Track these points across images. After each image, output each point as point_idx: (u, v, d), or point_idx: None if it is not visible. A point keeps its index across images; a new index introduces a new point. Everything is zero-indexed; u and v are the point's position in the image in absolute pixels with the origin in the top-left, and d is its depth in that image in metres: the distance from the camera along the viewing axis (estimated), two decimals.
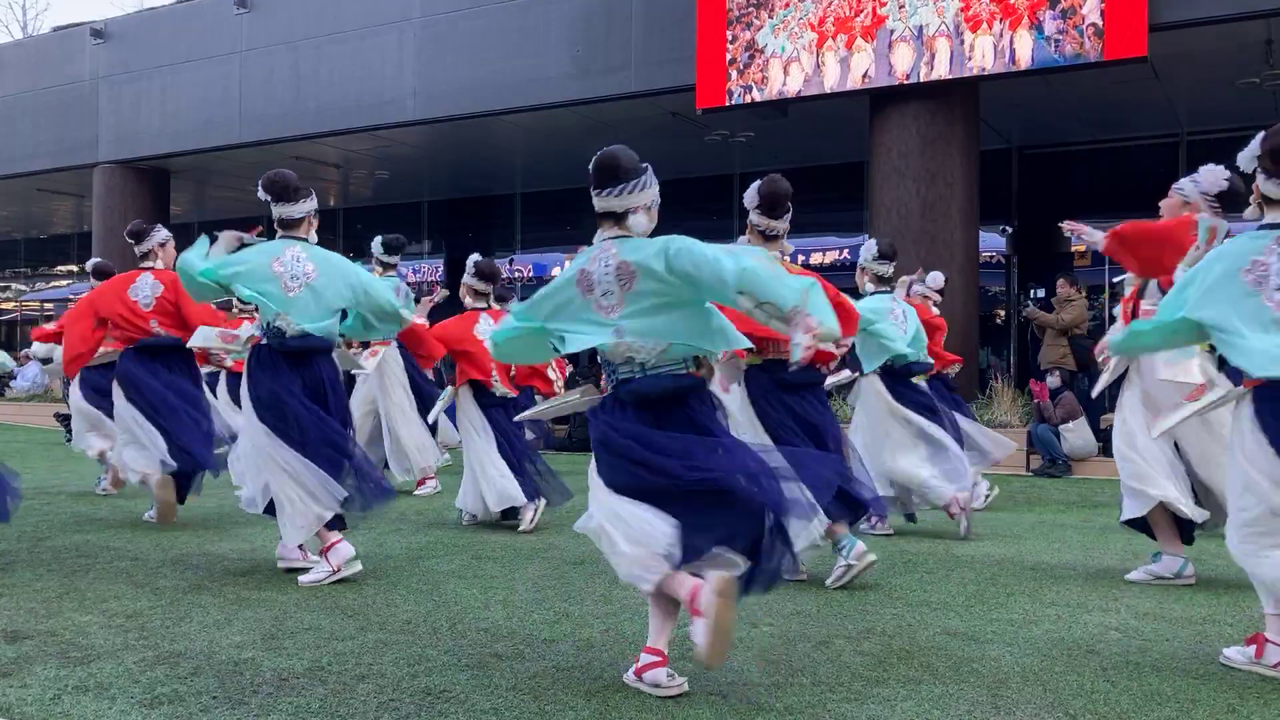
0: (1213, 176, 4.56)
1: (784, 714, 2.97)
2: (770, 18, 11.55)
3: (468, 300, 6.52)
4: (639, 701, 3.06)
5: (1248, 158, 3.49)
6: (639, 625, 3.89)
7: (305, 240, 4.79)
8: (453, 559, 5.18)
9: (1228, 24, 9.76)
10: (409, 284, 9.23)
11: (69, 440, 9.46)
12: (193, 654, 3.47)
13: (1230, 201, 4.50)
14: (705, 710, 2.99)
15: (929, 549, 5.64)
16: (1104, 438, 9.18)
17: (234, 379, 8.10)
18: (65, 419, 10.80)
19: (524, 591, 4.46)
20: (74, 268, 23.69)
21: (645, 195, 3.32)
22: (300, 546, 4.75)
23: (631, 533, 3.07)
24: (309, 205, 4.82)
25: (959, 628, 3.92)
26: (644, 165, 3.35)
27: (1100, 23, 9.95)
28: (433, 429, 7.87)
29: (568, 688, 3.18)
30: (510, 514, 6.17)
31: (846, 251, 15.44)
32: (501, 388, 6.25)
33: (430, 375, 8.44)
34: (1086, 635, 3.82)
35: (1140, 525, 4.78)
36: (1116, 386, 4.81)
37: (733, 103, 11.82)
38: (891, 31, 10.93)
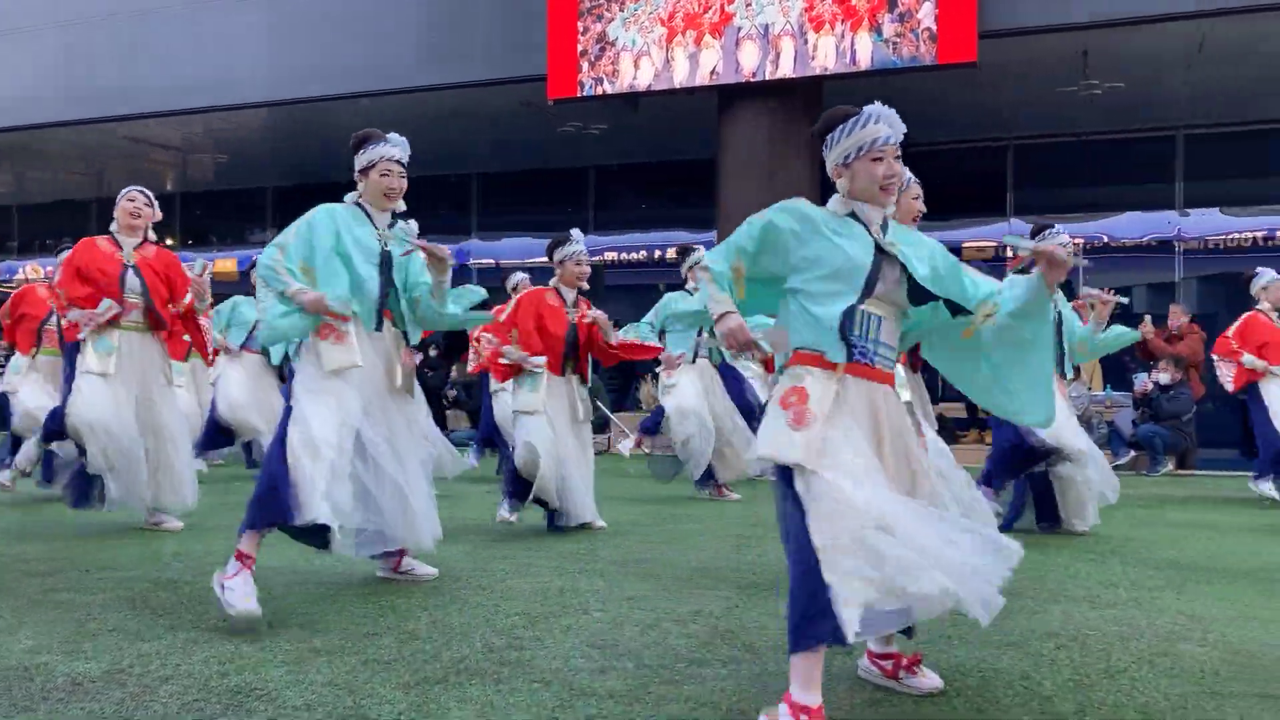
0: None
1: (605, 698, 2.97)
2: (621, 11, 11.59)
3: None
4: (459, 693, 3.01)
5: None
6: (466, 616, 3.85)
7: None
8: (281, 553, 5.00)
9: (1047, 34, 10.34)
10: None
11: None
12: None
13: None
14: (526, 698, 2.97)
15: (763, 531, 5.77)
16: None
17: None
18: None
19: (353, 586, 4.34)
20: None
21: None
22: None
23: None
24: None
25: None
26: None
27: (934, 27, 10.38)
28: None
29: (387, 681, 3.10)
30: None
31: (700, 249, 15.65)
32: None
33: None
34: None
35: None
36: None
37: (584, 94, 11.82)
38: (739, 29, 11.13)
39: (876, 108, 2.81)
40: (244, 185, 18.28)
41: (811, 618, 2.56)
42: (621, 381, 13.23)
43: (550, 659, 3.33)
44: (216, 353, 8.19)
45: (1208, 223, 13.44)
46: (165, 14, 13.70)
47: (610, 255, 15.63)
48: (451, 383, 12.58)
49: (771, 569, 4.77)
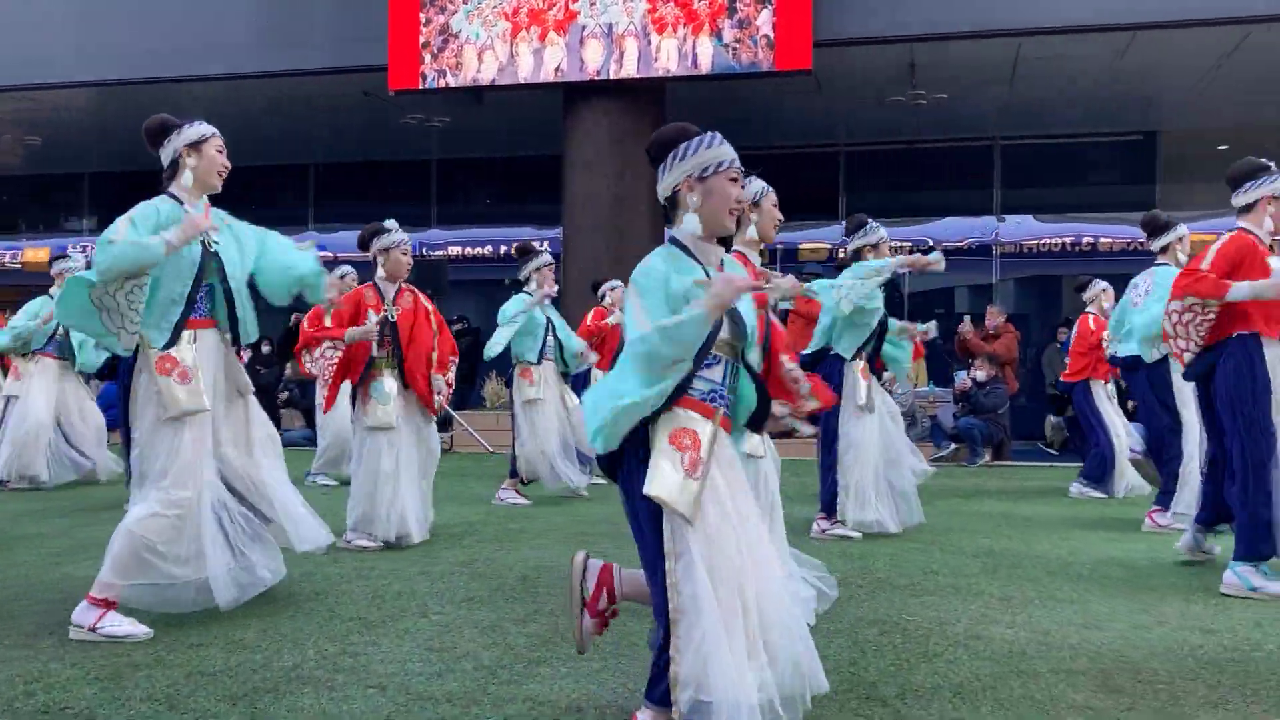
0: None
1: (442, 701, 2.94)
2: (464, 3, 11.44)
3: None
4: (291, 702, 2.93)
5: None
6: (298, 622, 3.74)
7: None
8: (90, 564, 4.72)
9: (876, 45, 10.79)
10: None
11: None
12: None
13: None
14: (361, 705, 2.91)
15: (605, 530, 5.81)
16: None
17: None
18: None
19: None
20: None
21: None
22: None
23: None
24: None
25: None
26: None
27: (772, 35, 10.68)
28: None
29: (212, 694, 2.98)
30: None
31: (546, 244, 15.61)
32: None
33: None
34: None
35: None
36: None
37: (426, 86, 11.61)
38: (583, 27, 11.16)
39: (712, 133, 2.66)
40: (59, 170, 17.11)
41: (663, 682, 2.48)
42: (467, 374, 13.06)
43: (386, 664, 3.27)
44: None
45: (1022, 228, 14.31)
46: None
47: (455, 250, 15.42)
48: (285, 381, 12.14)
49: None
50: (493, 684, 3.10)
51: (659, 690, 2.50)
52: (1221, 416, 4.30)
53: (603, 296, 8.67)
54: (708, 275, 2.56)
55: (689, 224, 2.61)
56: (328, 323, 6.31)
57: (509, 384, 7.50)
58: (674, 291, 2.51)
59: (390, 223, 5.41)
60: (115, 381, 7.28)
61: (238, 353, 3.98)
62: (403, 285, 5.46)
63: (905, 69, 11.39)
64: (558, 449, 7.02)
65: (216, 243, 3.84)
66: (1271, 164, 4.45)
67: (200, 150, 3.87)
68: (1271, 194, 4.37)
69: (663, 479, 2.45)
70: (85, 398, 8.23)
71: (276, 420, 12.18)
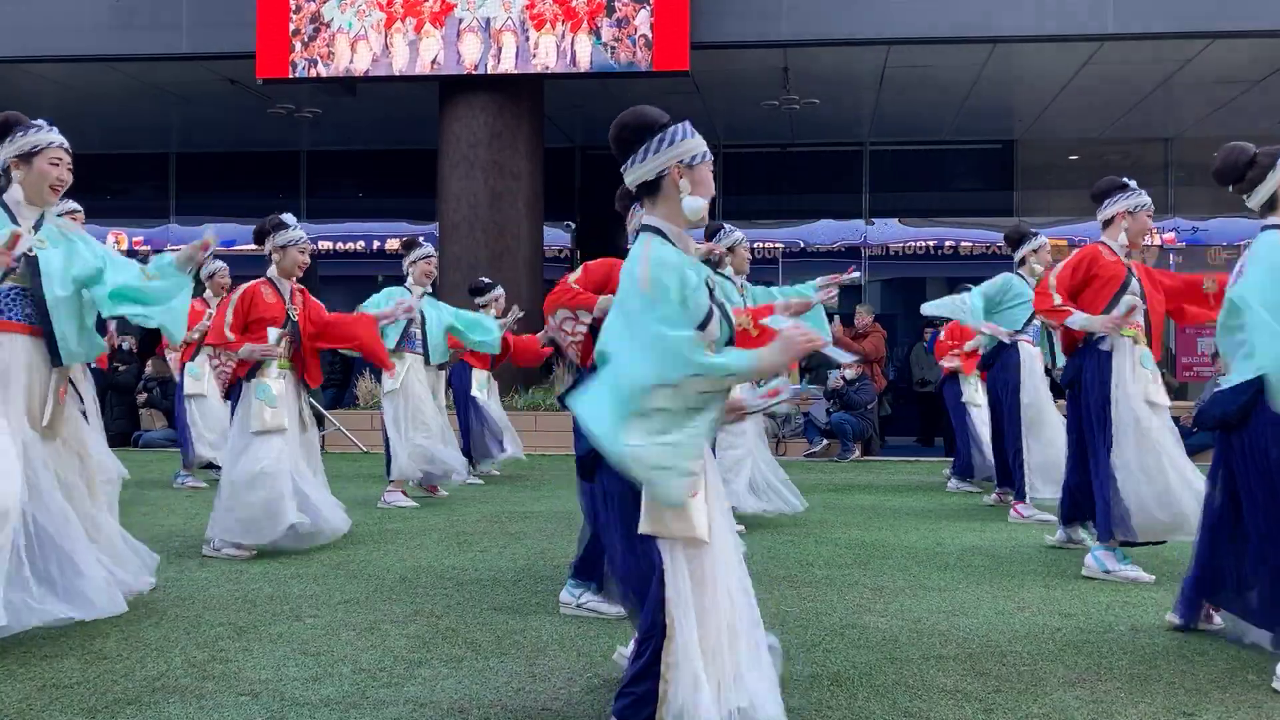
0: None
1: (319, 706, 2.86)
2: None
3: None
4: (154, 712, 2.79)
5: None
6: (163, 630, 3.58)
7: None
8: None
9: (751, 49, 10.99)
10: None
11: None
12: None
13: None
14: (233, 713, 2.80)
15: (484, 529, 5.75)
16: None
17: None
18: None
19: None
20: None
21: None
22: None
23: None
24: None
25: (506, 603, 4.03)
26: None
27: (650, 35, 10.75)
28: None
29: (68, 706, 2.82)
30: None
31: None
32: None
33: None
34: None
35: None
36: None
37: (296, 75, 11.26)
38: (460, 20, 11.01)
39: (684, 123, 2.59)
40: None
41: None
42: (341, 377, 12.71)
43: (259, 670, 3.16)
44: None
45: (889, 231, 14.80)
46: None
47: (325, 245, 14.99)
48: (146, 380, 11.59)
49: (492, 565, 4.77)
50: (372, 687, 3.02)
51: (628, 705, 2.37)
52: (1088, 417, 4.53)
53: (485, 306, 8.14)
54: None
55: (692, 206, 2.50)
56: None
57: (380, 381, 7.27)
58: (689, 281, 2.39)
59: (289, 217, 5.13)
60: None
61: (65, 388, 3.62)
62: (294, 285, 5.22)
63: (779, 73, 11.63)
64: (436, 440, 6.83)
65: (40, 245, 3.51)
66: (1130, 181, 4.69)
67: (30, 163, 3.57)
68: (1126, 209, 4.63)
69: (657, 512, 2.31)
70: None
71: (136, 421, 11.62)
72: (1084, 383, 4.53)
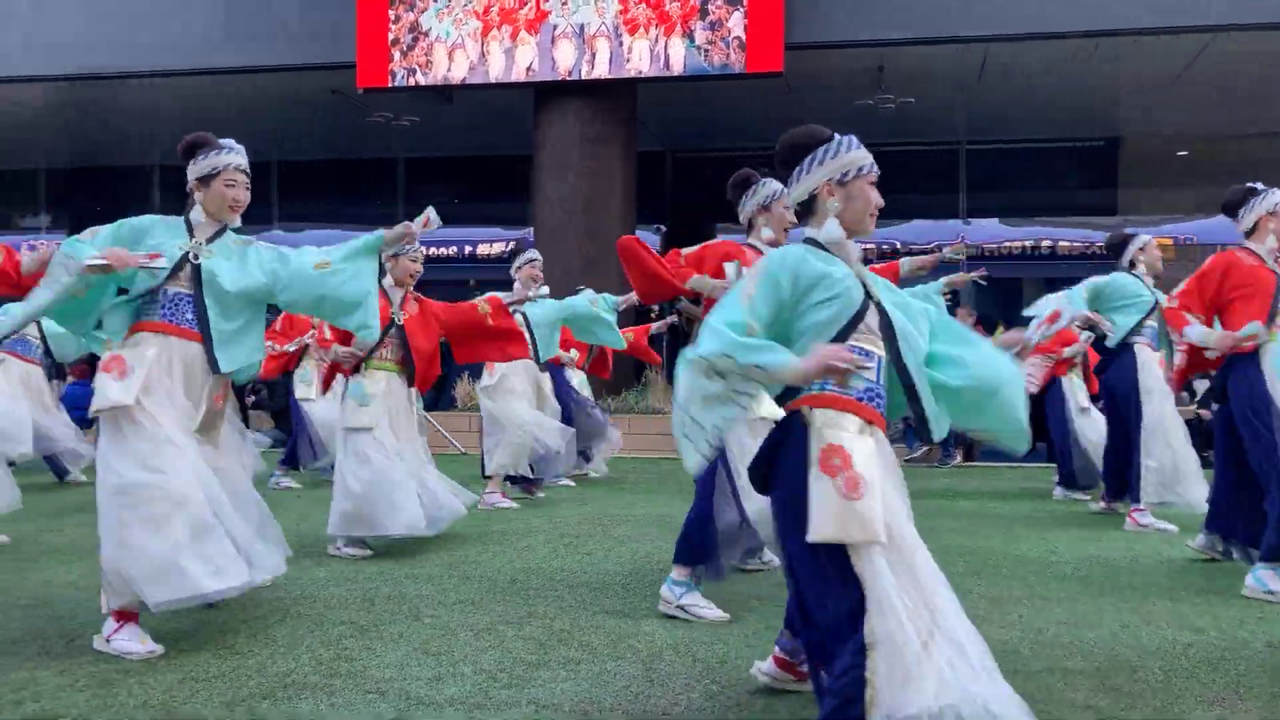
0: None
1: (445, 706, 2.91)
2: (434, 1, 11.36)
3: None
4: (288, 707, 2.88)
5: None
6: (290, 627, 3.68)
7: None
8: (72, 568, 4.63)
9: (847, 49, 10.87)
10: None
11: None
12: None
13: None
14: (361, 710, 2.87)
15: (589, 531, 5.79)
16: None
17: None
18: None
19: None
20: None
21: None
22: None
23: None
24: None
25: (617, 606, 4.05)
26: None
27: (744, 36, 10.71)
28: None
29: (209, 699, 2.93)
30: None
31: (512, 244, 15.53)
32: None
33: None
34: (738, 603, 4.06)
35: None
36: None
37: (395, 85, 11.51)
38: (555, 27, 11.12)
39: (849, 136, 2.61)
40: (13, 166, 16.73)
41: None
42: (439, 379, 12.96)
43: (383, 669, 3.23)
44: None
45: (986, 231, 14.49)
46: None
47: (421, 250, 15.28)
48: (254, 383, 11.96)
49: (599, 568, 4.80)
50: (494, 687, 3.07)
51: (835, 708, 2.26)
52: (1243, 427, 4.36)
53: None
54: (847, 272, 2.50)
55: (830, 230, 2.54)
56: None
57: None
58: (803, 274, 2.45)
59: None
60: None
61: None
62: (408, 292, 5.35)
63: (874, 73, 11.48)
64: (530, 437, 6.86)
65: (208, 254, 3.65)
66: (1257, 185, 4.54)
67: (209, 185, 3.69)
68: (1267, 211, 4.46)
69: (822, 516, 2.29)
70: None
71: (245, 421, 11.99)
72: (1232, 391, 4.36)
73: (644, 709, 2.92)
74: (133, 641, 3.35)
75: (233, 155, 3.72)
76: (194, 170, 3.71)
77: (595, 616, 3.88)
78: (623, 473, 8.86)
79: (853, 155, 2.56)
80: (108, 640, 3.36)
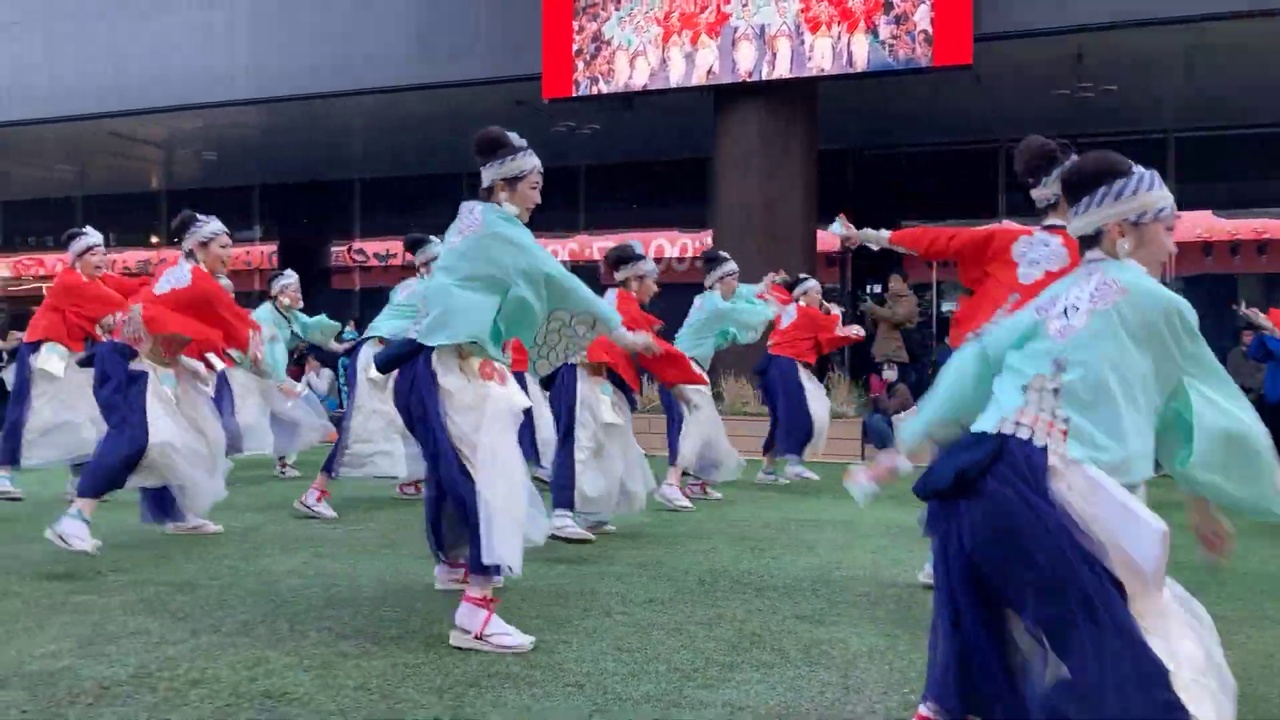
0: None
1: (641, 702, 2.95)
2: (617, 10, 11.56)
3: None
4: (493, 696, 2.98)
5: None
6: None
7: None
8: (290, 557, 4.95)
9: (1043, 37, 10.38)
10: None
11: None
12: None
13: None
14: (561, 703, 2.95)
15: (773, 535, 5.75)
16: None
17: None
18: None
19: (368, 589, 4.29)
20: None
21: None
22: None
23: None
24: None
25: (807, 611, 4.00)
26: None
27: (930, 30, 10.40)
28: None
29: (419, 685, 3.07)
30: None
31: (689, 247, 15.64)
32: None
33: None
34: (928, 614, 3.95)
35: None
36: None
37: (580, 94, 11.78)
38: (735, 29, 11.12)
39: (1151, 172, 2.42)
40: (231, 183, 18.10)
41: None
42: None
43: (580, 663, 3.30)
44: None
45: (1197, 223, 13.55)
46: (150, 7, 13.55)
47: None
48: None
49: (787, 572, 4.76)
50: (689, 687, 3.09)
51: None
52: None
53: (798, 297, 8.44)
54: None
55: None
56: None
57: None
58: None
59: (636, 244, 5.63)
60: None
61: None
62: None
63: (1071, 61, 10.92)
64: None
65: None
66: None
67: (515, 187, 3.73)
68: None
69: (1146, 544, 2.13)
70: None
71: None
72: None
73: (841, 716, 2.87)
74: (512, 636, 3.42)
75: (536, 158, 3.75)
76: (500, 170, 3.70)
77: (786, 621, 3.85)
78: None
79: (1153, 195, 2.36)
80: (478, 637, 3.39)
